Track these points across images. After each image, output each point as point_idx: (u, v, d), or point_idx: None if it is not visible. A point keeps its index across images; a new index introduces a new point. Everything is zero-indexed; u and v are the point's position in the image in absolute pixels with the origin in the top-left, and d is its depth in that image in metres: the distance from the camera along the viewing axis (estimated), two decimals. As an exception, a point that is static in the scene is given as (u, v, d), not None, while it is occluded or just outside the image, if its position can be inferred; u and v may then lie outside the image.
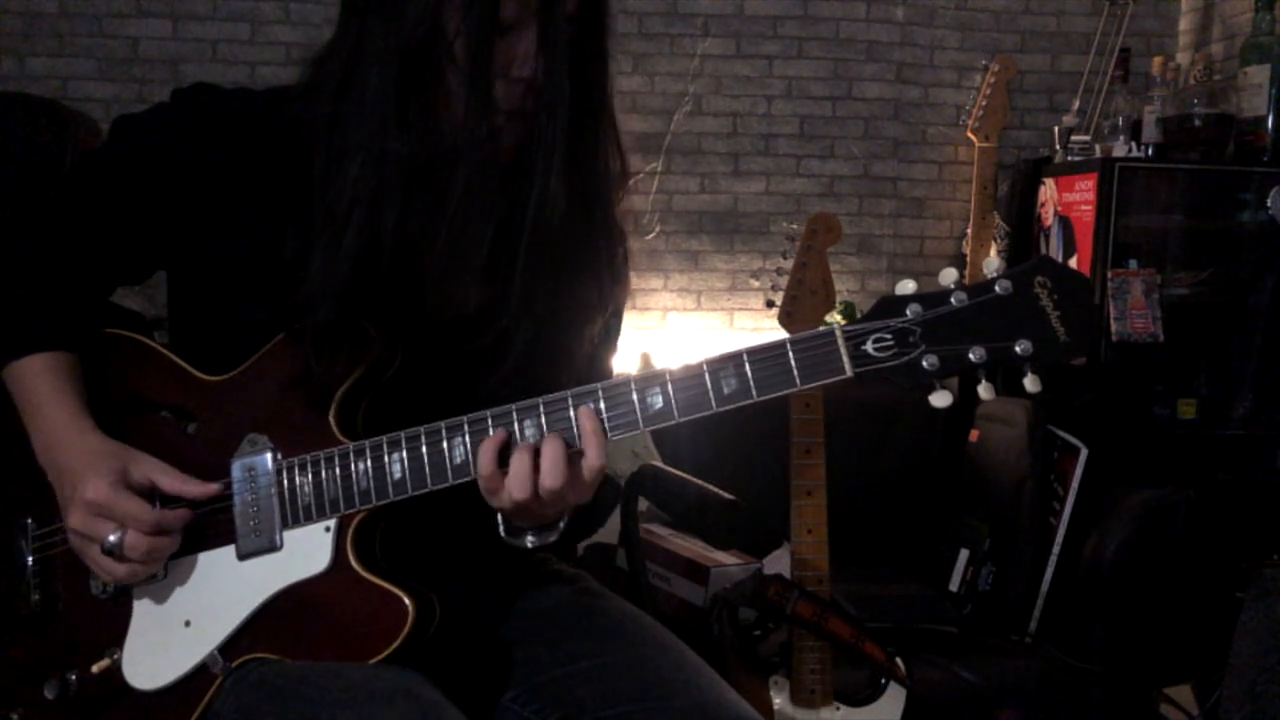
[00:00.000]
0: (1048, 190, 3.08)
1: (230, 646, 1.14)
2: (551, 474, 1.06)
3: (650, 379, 1.07)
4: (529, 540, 1.16)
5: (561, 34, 1.12)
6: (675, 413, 1.07)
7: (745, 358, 1.05)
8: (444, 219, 1.13)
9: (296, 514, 1.14)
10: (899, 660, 1.92)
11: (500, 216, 1.15)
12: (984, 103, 3.06)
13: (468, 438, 1.10)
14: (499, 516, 1.15)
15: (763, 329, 3.29)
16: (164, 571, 1.16)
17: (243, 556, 1.15)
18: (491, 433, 1.09)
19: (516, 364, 1.21)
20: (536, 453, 1.07)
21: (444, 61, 1.11)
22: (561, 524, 1.16)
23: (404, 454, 1.11)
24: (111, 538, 1.11)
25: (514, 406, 1.09)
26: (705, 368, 1.06)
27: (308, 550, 1.13)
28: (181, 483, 1.15)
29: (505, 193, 1.15)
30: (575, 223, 1.19)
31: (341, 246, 1.12)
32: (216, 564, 1.16)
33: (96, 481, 1.12)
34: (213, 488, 1.15)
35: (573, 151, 1.16)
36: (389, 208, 1.13)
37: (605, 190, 1.23)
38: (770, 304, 2.03)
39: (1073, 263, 2.93)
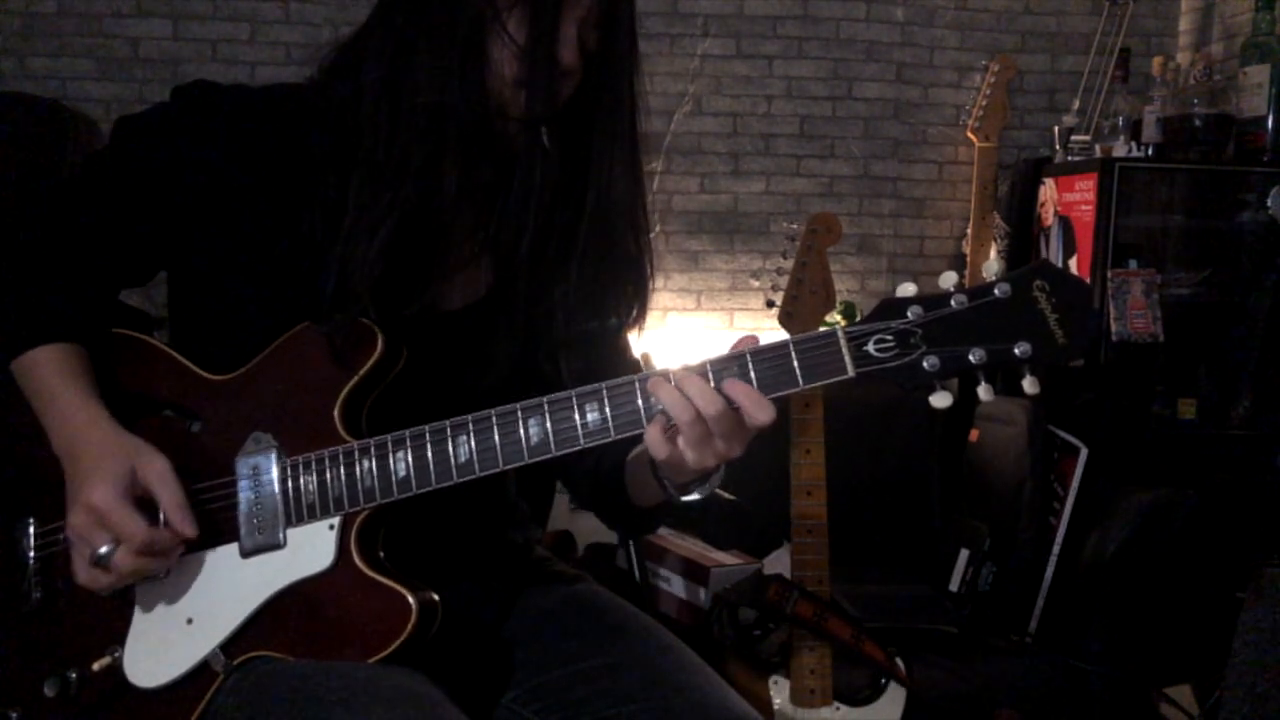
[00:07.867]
0: (1048, 190, 3.08)
1: (232, 644, 1.14)
2: (703, 399, 1.04)
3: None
4: (696, 493, 1.17)
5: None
6: (680, 412, 1.06)
7: (749, 358, 1.05)
8: (510, 175, 1.16)
9: (300, 512, 1.14)
10: (899, 660, 1.93)
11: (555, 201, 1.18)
12: (984, 103, 3.07)
13: (472, 437, 1.10)
14: (664, 483, 1.17)
15: (763, 329, 3.29)
16: (166, 569, 1.16)
17: (246, 554, 1.15)
18: (497, 431, 1.09)
19: (521, 362, 1.21)
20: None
21: (506, 20, 1.12)
22: (721, 472, 1.16)
23: (409, 453, 1.11)
24: (103, 549, 1.10)
25: (519, 405, 1.10)
26: (709, 368, 1.06)
27: (311, 548, 1.13)
28: (177, 510, 1.12)
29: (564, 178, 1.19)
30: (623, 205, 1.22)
31: (380, 220, 1.13)
32: (219, 561, 1.16)
33: (103, 486, 1.10)
34: (191, 532, 1.12)
35: (631, 131, 1.20)
36: (451, 166, 1.14)
37: (640, 169, 1.25)
38: (770, 304, 2.03)
39: (1073, 263, 2.93)
